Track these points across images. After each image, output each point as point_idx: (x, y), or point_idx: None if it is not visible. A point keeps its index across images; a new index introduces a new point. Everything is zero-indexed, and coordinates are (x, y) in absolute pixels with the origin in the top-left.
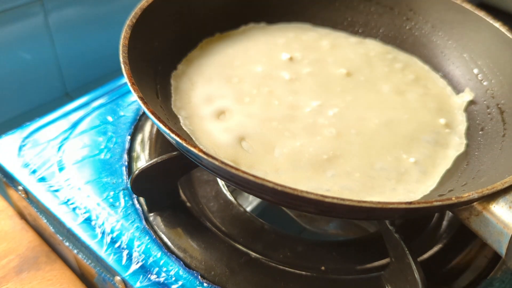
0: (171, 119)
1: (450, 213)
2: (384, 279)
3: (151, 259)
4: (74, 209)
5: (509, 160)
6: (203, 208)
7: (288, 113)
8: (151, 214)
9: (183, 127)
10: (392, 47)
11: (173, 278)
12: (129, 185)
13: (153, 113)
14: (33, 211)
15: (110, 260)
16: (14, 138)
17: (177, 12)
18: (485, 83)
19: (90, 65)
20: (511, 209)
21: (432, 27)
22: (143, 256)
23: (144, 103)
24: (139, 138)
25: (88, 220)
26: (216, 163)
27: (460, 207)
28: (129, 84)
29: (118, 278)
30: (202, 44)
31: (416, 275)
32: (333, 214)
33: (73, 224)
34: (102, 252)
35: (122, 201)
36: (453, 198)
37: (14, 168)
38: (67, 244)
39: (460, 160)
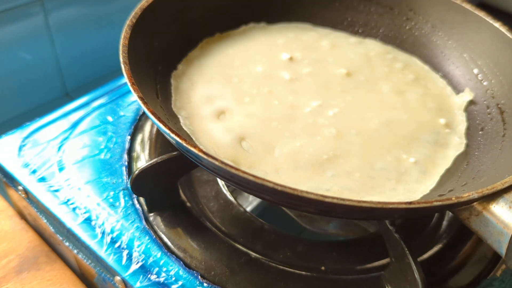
0: (171, 119)
1: (450, 213)
2: (384, 279)
3: (151, 259)
4: (74, 209)
5: (509, 160)
6: (203, 208)
7: (288, 113)
8: (151, 214)
9: (183, 127)
10: (392, 47)
11: (173, 278)
12: (129, 185)
13: (153, 113)
14: (33, 211)
15: (110, 260)
16: (14, 138)
17: (177, 12)
18: (485, 83)
19: (90, 65)
20: (511, 209)
21: (432, 27)
22: (143, 256)
23: (144, 103)
24: (139, 138)
25: (88, 220)
26: (216, 163)
27: (460, 207)
28: (129, 84)
29: (118, 278)
30: (202, 44)
31: (416, 275)
32: (333, 214)
33: (73, 224)
34: (102, 252)
35: (122, 201)
36: (453, 198)
37: (14, 168)
38: (67, 244)
39: (460, 160)
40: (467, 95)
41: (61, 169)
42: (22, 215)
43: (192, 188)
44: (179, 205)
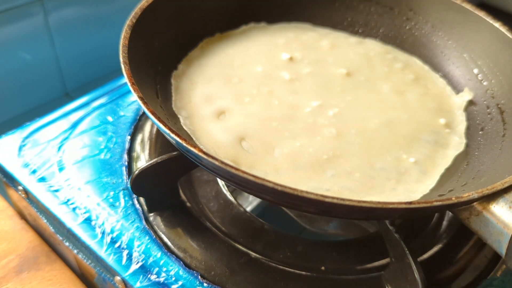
0: (171, 119)
1: (450, 213)
2: (384, 279)
3: (151, 259)
4: (74, 209)
5: (509, 160)
6: (203, 208)
7: (288, 113)
8: (151, 214)
9: (184, 127)
10: (392, 47)
11: (173, 278)
12: (129, 185)
13: (153, 113)
14: (33, 211)
15: (110, 260)
16: (14, 138)
17: (177, 12)
18: (485, 83)
19: (90, 65)
20: (511, 209)
21: (432, 27)
22: (143, 256)
23: (144, 103)
24: (139, 138)
25: (88, 220)
26: (216, 163)
27: (460, 207)
28: (129, 84)
29: (118, 278)
30: (202, 44)
31: (416, 275)
32: (333, 214)
33: (73, 224)
34: (102, 252)
35: (122, 201)
36: (453, 198)
37: (14, 168)
38: (67, 244)
39: (460, 160)
40: (466, 95)
41: (61, 169)
42: (22, 215)
43: (192, 188)
44: (179, 205)
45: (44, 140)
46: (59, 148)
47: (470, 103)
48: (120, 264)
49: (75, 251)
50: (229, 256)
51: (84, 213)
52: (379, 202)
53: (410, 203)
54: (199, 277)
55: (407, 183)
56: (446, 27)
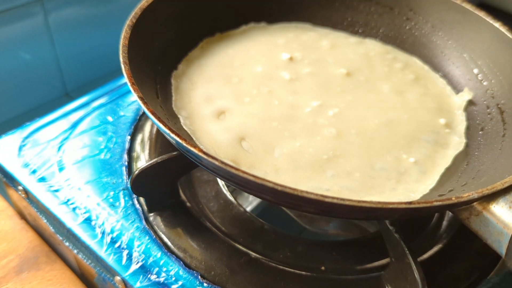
0: (171, 119)
1: (450, 213)
2: (384, 279)
3: (151, 259)
4: (74, 209)
5: (509, 160)
6: (203, 208)
7: (288, 113)
8: (151, 214)
9: (184, 127)
10: (392, 47)
11: (173, 278)
12: (129, 185)
13: (153, 113)
14: (33, 211)
15: (110, 260)
16: (14, 138)
17: (177, 12)
18: (485, 83)
19: (90, 65)
20: (511, 209)
21: (432, 27)
22: (143, 256)
23: (144, 103)
24: (139, 138)
25: (88, 220)
26: (216, 163)
27: (460, 207)
28: (129, 84)
29: (118, 278)
30: (202, 44)
31: (416, 275)
32: (333, 214)
33: (73, 224)
34: (102, 252)
35: (122, 201)
36: (453, 198)
37: (14, 168)
38: (67, 244)
39: (460, 160)
40: (466, 95)
41: (61, 169)
42: (22, 215)
43: (192, 188)
44: (179, 205)
45: (44, 140)
46: (59, 148)
47: (470, 103)
48: (120, 264)
49: (75, 251)
50: (229, 256)
51: (84, 213)
52: (379, 202)
53: (410, 203)
54: (199, 277)
55: (407, 183)
56: (446, 27)
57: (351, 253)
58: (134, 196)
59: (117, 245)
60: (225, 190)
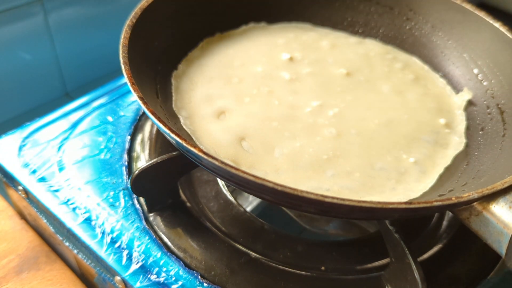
0: (171, 119)
1: (450, 213)
2: (384, 279)
3: (151, 259)
4: (74, 209)
5: (509, 160)
6: (203, 208)
7: (288, 113)
8: (151, 214)
9: (184, 127)
10: (392, 47)
11: (173, 278)
12: (129, 185)
13: (153, 113)
14: (33, 211)
15: (110, 260)
16: (14, 138)
17: (177, 12)
18: (485, 83)
19: (90, 65)
20: (511, 209)
21: (432, 27)
22: (143, 256)
23: (144, 103)
24: (139, 138)
25: (88, 220)
26: (216, 163)
27: (460, 207)
28: (129, 84)
29: (118, 278)
30: (202, 44)
31: (416, 275)
32: (333, 214)
33: (73, 224)
34: (102, 252)
35: (122, 201)
36: (453, 198)
37: (14, 168)
38: (67, 244)
39: (460, 160)
40: (466, 94)
41: (61, 169)
42: (22, 215)
43: (192, 188)
44: (179, 205)
45: (44, 140)
46: (59, 148)
47: (470, 103)
48: (120, 264)
49: (75, 251)
50: (229, 256)
51: (84, 213)
52: (379, 202)
53: (410, 203)
54: (199, 277)
55: (407, 183)
56: (446, 27)
57: (351, 253)
58: (134, 196)
59: (117, 245)
60: (225, 190)
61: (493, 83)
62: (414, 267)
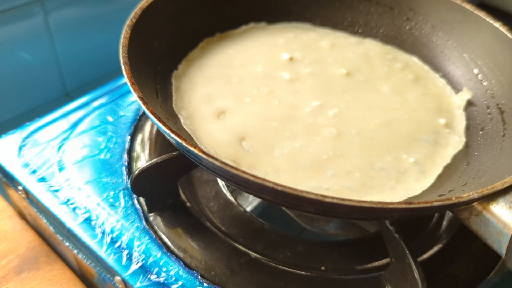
0: (171, 119)
1: (450, 213)
2: (384, 279)
3: (151, 259)
4: (74, 209)
5: (509, 160)
6: (203, 208)
7: (288, 113)
8: (151, 214)
9: (184, 127)
10: (392, 47)
11: (173, 278)
12: (129, 185)
13: (153, 113)
14: (33, 211)
15: (110, 260)
16: (14, 138)
17: (177, 12)
18: (485, 83)
19: (90, 65)
20: (511, 209)
21: (432, 27)
22: (143, 256)
23: (144, 103)
24: (139, 138)
25: (88, 220)
26: (216, 163)
27: (460, 207)
28: (129, 84)
29: (118, 278)
30: (202, 44)
31: (416, 275)
32: (333, 214)
33: (73, 224)
34: (102, 252)
35: (122, 201)
36: (453, 198)
37: (14, 168)
38: (67, 244)
39: (460, 160)
40: (465, 94)
41: (61, 169)
42: (22, 215)
43: (192, 188)
44: (179, 205)
45: (44, 140)
46: (59, 148)
47: (470, 103)
48: (120, 264)
49: (75, 251)
50: (229, 256)
51: (84, 213)
52: (379, 202)
53: (410, 203)
54: (199, 277)
55: (407, 182)
56: (446, 27)
57: (351, 253)
58: (134, 196)
59: (117, 245)
60: (225, 190)
61: (493, 83)
62: (414, 267)
